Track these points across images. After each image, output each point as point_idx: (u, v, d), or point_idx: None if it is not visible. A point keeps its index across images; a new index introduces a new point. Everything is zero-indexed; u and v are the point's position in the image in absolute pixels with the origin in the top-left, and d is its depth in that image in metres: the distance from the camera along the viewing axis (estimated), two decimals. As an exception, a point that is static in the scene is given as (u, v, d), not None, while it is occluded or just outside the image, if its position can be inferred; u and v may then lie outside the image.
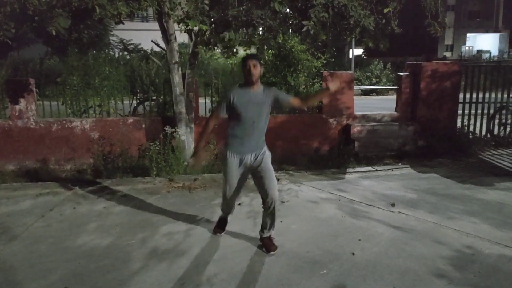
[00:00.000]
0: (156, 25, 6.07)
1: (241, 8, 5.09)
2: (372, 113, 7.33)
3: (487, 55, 30.60)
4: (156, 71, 11.52)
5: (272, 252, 3.34)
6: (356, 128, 6.81)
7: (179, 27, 5.09)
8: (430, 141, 6.83)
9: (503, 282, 2.89)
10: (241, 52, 6.25)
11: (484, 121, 7.47)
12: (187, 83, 5.91)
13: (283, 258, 3.25)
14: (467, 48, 37.00)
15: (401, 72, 7.57)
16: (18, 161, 6.13)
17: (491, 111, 7.51)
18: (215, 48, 5.76)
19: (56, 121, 6.25)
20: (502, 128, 7.53)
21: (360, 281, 2.90)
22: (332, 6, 4.88)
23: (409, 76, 7.21)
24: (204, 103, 6.80)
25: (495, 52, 33.64)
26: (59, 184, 5.29)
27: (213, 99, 6.81)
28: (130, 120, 6.38)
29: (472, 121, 7.35)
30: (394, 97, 7.85)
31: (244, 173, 3.37)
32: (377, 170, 6.02)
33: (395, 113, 7.33)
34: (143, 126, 6.37)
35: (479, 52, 33.52)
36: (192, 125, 6.08)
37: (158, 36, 5.91)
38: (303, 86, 6.85)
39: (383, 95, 18.71)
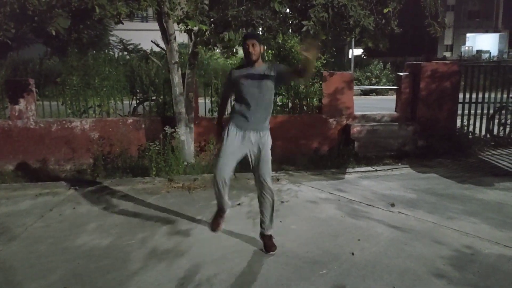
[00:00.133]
0: (155, 25, 6.07)
1: (241, 8, 5.09)
2: (371, 113, 7.34)
3: (487, 55, 30.59)
4: (156, 71, 11.50)
5: (272, 252, 3.34)
6: (355, 128, 6.81)
7: (178, 27, 5.10)
8: (429, 141, 6.84)
9: (503, 282, 2.89)
10: (241, 52, 6.25)
11: (484, 121, 7.47)
12: (187, 83, 5.91)
13: (282, 258, 3.25)
14: (466, 48, 37.02)
15: (400, 72, 7.57)
16: (18, 161, 6.13)
17: (491, 111, 7.51)
18: (215, 48, 5.76)
19: (55, 121, 6.25)
20: (501, 128, 7.53)
21: (359, 281, 2.90)
22: (331, 6, 4.88)
23: (409, 76, 7.21)
24: (204, 103, 6.80)
25: (494, 52, 33.65)
26: (58, 184, 5.29)
27: (213, 99, 6.81)
28: (130, 120, 6.39)
29: (471, 121, 7.35)
30: (394, 97, 7.85)
31: (243, 149, 3.22)
32: (376, 170, 6.02)
33: (395, 113, 7.34)
34: (143, 126, 6.37)
35: (479, 52, 33.53)
36: (192, 125, 6.08)
37: (157, 36, 5.91)
38: (303, 86, 6.86)
39: (382, 95, 18.72)
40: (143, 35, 16.38)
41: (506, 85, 7.49)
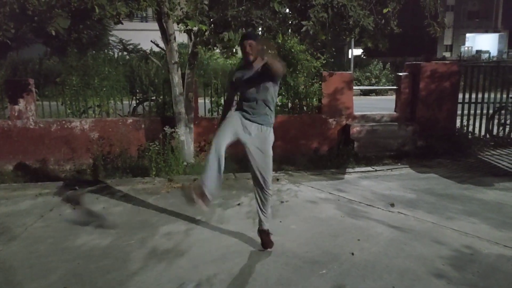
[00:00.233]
0: (155, 25, 6.07)
1: (241, 8, 5.09)
2: (371, 113, 7.34)
3: (486, 55, 30.59)
4: (156, 71, 11.51)
5: (269, 249, 3.34)
6: (355, 128, 6.81)
7: (178, 27, 5.10)
8: (429, 141, 6.84)
9: (502, 282, 2.89)
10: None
11: (484, 121, 7.47)
12: (187, 83, 5.92)
13: (282, 258, 3.25)
14: (466, 48, 37.03)
15: (400, 72, 7.57)
16: (18, 161, 6.13)
17: (490, 111, 7.51)
18: (215, 48, 5.76)
19: (55, 121, 6.25)
20: (501, 128, 7.53)
21: (359, 281, 2.90)
22: (331, 6, 4.89)
23: (409, 76, 7.21)
24: (204, 103, 6.80)
25: (494, 52, 33.64)
26: (58, 184, 5.29)
27: (213, 99, 6.81)
28: (130, 120, 6.39)
29: (471, 121, 7.36)
30: (394, 97, 7.86)
31: (240, 132, 3.19)
32: (376, 170, 6.02)
33: (395, 113, 7.34)
34: (143, 126, 6.37)
35: (478, 52, 33.52)
36: (192, 125, 6.09)
37: (157, 36, 5.91)
38: (303, 86, 6.86)
39: (382, 95, 18.72)
40: (143, 35, 16.39)
41: (505, 85, 7.50)
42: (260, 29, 5.54)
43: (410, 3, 6.59)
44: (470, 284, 2.86)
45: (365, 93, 18.43)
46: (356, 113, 7.13)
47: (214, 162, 3.08)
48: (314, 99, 6.95)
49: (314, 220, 4.08)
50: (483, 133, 7.46)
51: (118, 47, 21.62)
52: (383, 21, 5.57)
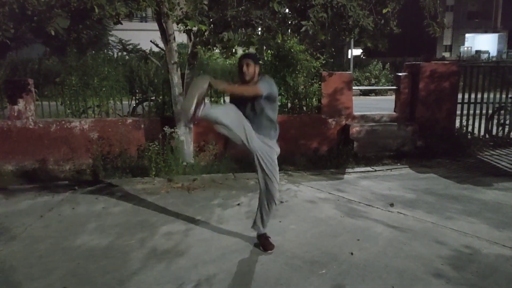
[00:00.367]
0: (155, 25, 6.08)
1: (240, 8, 5.10)
2: (371, 114, 7.34)
3: (486, 55, 30.61)
4: (155, 72, 11.51)
5: (270, 251, 3.35)
6: (355, 129, 6.81)
7: (178, 27, 5.10)
8: (428, 141, 6.85)
9: (501, 282, 2.89)
10: (240, 52, 6.25)
11: (483, 121, 7.48)
12: (186, 84, 5.91)
13: (281, 258, 3.25)
14: (465, 48, 37.03)
15: (400, 73, 7.58)
16: (17, 161, 6.12)
17: (490, 111, 7.52)
18: (214, 48, 5.76)
19: (55, 121, 6.24)
20: (500, 128, 7.54)
21: (359, 281, 2.90)
22: (331, 6, 4.89)
23: (408, 77, 7.22)
24: (203, 104, 6.79)
25: (493, 52, 33.64)
26: (58, 184, 5.29)
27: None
28: (129, 120, 6.39)
29: (470, 122, 7.36)
30: (393, 97, 7.86)
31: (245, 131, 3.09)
32: (376, 170, 6.03)
33: (394, 113, 7.34)
34: (142, 126, 6.37)
35: (478, 52, 33.54)
36: (191, 125, 6.08)
37: (157, 36, 5.91)
38: (302, 87, 6.86)
39: (382, 95, 18.73)
40: (142, 35, 16.40)
41: (505, 85, 7.50)
42: (259, 29, 5.55)
43: (410, 3, 6.59)
44: (469, 283, 2.86)
45: (365, 93, 18.43)
46: (355, 113, 7.13)
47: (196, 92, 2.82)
48: (314, 99, 6.95)
49: (313, 220, 4.08)
50: (482, 133, 7.47)
51: (117, 47, 21.62)
52: (383, 21, 5.57)
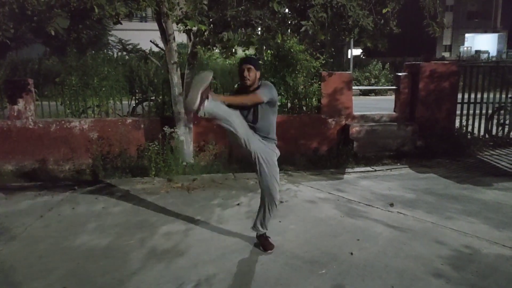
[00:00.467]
0: (155, 25, 6.07)
1: (240, 8, 5.10)
2: (370, 113, 7.34)
3: (486, 55, 30.61)
4: (155, 71, 11.51)
5: (270, 251, 3.35)
6: (355, 128, 6.81)
7: (178, 27, 5.10)
8: (428, 141, 6.85)
9: (501, 282, 2.89)
10: (240, 52, 6.25)
11: (483, 121, 7.48)
12: (186, 84, 5.91)
13: (281, 258, 3.25)
14: (465, 48, 37.03)
15: (399, 73, 7.58)
16: (17, 161, 6.12)
17: (490, 111, 7.52)
18: (214, 48, 5.76)
19: (54, 121, 6.24)
20: (500, 128, 7.54)
21: (358, 281, 2.90)
22: (330, 6, 4.89)
23: (408, 77, 7.22)
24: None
25: (493, 52, 33.62)
26: (57, 184, 5.28)
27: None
28: (129, 120, 6.39)
29: (470, 122, 7.36)
30: (393, 97, 7.86)
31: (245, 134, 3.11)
32: (375, 170, 6.03)
33: (394, 113, 7.34)
34: (142, 126, 6.37)
35: (478, 52, 33.53)
36: (191, 125, 6.08)
37: (157, 36, 5.91)
38: (302, 86, 6.86)
39: (381, 95, 18.73)
40: (142, 35, 16.39)
41: (504, 85, 7.50)
42: (259, 29, 5.55)
43: (410, 3, 6.59)
44: (469, 283, 2.86)
45: (365, 93, 18.43)
46: (355, 113, 7.13)
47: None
48: (314, 99, 6.95)
49: (313, 220, 4.08)
50: (482, 133, 7.47)
51: (117, 47, 21.60)
52: (383, 21, 5.57)
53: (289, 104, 6.95)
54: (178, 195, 4.89)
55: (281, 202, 4.59)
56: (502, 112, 7.57)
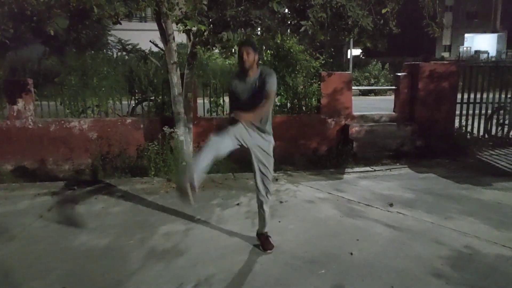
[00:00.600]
0: (154, 25, 6.06)
1: (240, 8, 5.09)
2: (370, 114, 7.35)
3: (485, 55, 30.59)
4: (155, 72, 11.46)
5: (269, 251, 3.36)
6: (354, 129, 6.81)
7: (177, 27, 5.09)
8: (428, 141, 6.85)
9: (501, 282, 2.90)
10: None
11: (482, 121, 7.48)
12: (186, 84, 5.91)
13: (281, 258, 3.25)
14: (465, 48, 37.04)
15: (399, 73, 7.58)
16: (16, 161, 6.12)
17: (489, 111, 7.53)
18: (214, 48, 5.75)
19: (54, 121, 6.24)
20: (499, 128, 7.55)
21: (358, 281, 2.90)
22: (330, 6, 4.89)
23: (407, 77, 7.22)
24: (203, 104, 6.80)
25: (493, 52, 33.58)
26: (57, 184, 5.28)
27: (211, 99, 6.80)
28: (129, 120, 6.38)
29: (470, 122, 7.37)
30: (392, 97, 7.86)
31: (245, 137, 3.21)
32: (375, 170, 6.03)
33: (393, 113, 7.34)
34: (142, 126, 6.37)
35: (477, 52, 33.53)
36: (191, 125, 6.07)
37: (156, 36, 5.90)
38: (302, 87, 6.86)
39: (381, 95, 18.73)
40: (142, 35, 16.36)
41: (504, 85, 7.51)
42: (259, 29, 5.54)
43: (409, 3, 6.59)
44: (469, 284, 2.86)
45: (364, 93, 18.43)
46: (355, 113, 7.13)
47: (203, 158, 3.01)
48: (313, 99, 6.95)
49: (313, 220, 4.08)
50: (481, 133, 7.47)
51: (117, 47, 21.55)
52: (382, 21, 5.57)
53: (288, 104, 6.95)
54: (177, 195, 4.88)
55: (281, 202, 4.59)
56: (501, 112, 7.58)
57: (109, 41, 22.34)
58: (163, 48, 5.81)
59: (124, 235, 3.72)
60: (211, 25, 5.32)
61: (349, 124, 6.87)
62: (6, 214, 4.30)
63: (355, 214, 4.21)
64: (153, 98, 6.99)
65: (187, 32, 5.27)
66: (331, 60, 7.71)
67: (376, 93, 18.80)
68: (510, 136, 7.53)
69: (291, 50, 6.73)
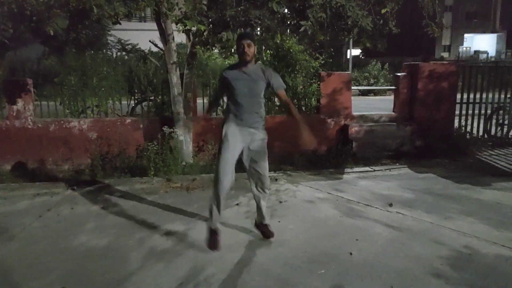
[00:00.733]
0: (154, 25, 6.07)
1: (239, 8, 5.10)
2: (370, 114, 7.35)
3: (485, 55, 30.59)
4: (154, 72, 11.46)
5: (271, 239, 3.48)
6: (354, 129, 6.82)
7: (177, 27, 5.09)
8: (427, 141, 6.85)
9: (500, 282, 2.90)
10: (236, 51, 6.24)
11: (482, 121, 7.49)
12: (185, 84, 5.91)
13: (281, 258, 3.25)
14: (464, 48, 37.06)
15: (398, 73, 7.58)
16: (16, 161, 6.11)
17: (488, 111, 7.53)
18: (213, 48, 5.76)
19: (53, 121, 6.24)
20: (499, 128, 7.55)
21: (357, 281, 2.90)
22: (329, 7, 4.89)
23: (407, 77, 7.22)
24: (202, 104, 6.80)
25: (492, 52, 33.59)
26: (56, 184, 5.28)
27: (211, 99, 6.80)
28: (128, 120, 6.38)
29: (469, 122, 7.37)
30: (392, 97, 7.87)
31: (242, 142, 3.27)
32: (374, 170, 6.03)
33: (393, 113, 7.35)
34: (141, 126, 6.37)
35: (477, 52, 33.55)
36: (191, 125, 6.08)
37: (156, 36, 5.91)
38: (301, 87, 6.86)
39: (381, 95, 18.75)
40: (142, 35, 16.35)
41: (503, 85, 7.52)
42: (258, 29, 5.55)
43: (409, 4, 6.60)
44: (468, 284, 2.86)
45: (364, 93, 18.44)
46: (354, 113, 7.14)
47: (222, 196, 3.27)
48: (313, 99, 6.95)
49: (312, 220, 4.08)
50: (481, 133, 7.48)
51: (116, 47, 21.54)
52: (382, 21, 5.58)
53: (288, 104, 6.94)
54: (177, 195, 4.89)
55: (280, 202, 4.60)
56: (501, 112, 7.59)
57: (109, 41, 22.34)
58: (163, 48, 5.82)
59: (124, 235, 3.72)
60: (211, 25, 5.32)
61: (349, 124, 6.87)
62: (5, 214, 4.30)
63: (355, 214, 4.21)
64: (152, 98, 7.00)
65: (187, 32, 5.28)
66: (331, 60, 7.72)
67: (375, 93, 18.82)
68: (509, 136, 7.53)
69: (291, 50, 6.73)
